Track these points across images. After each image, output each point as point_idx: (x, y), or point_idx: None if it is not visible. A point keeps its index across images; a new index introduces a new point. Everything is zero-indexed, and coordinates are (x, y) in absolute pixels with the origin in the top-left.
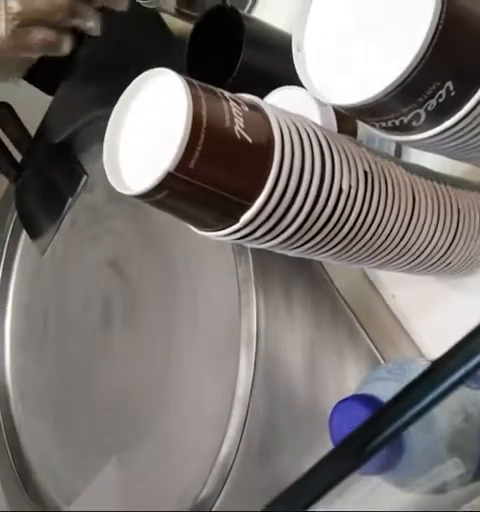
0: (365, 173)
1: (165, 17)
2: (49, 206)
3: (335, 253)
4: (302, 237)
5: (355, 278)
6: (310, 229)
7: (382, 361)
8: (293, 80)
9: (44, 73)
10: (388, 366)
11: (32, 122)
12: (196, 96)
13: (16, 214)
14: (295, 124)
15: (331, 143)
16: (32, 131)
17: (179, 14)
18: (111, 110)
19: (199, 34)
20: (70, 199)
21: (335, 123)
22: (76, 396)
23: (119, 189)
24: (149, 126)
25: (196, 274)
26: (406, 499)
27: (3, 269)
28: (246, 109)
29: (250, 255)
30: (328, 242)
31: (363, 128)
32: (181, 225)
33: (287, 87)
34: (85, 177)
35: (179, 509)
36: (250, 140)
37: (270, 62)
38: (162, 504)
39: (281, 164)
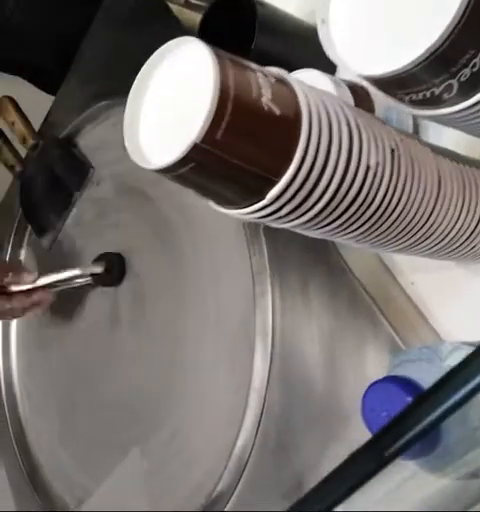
0: (392, 150)
1: (174, 8)
2: (54, 201)
3: (359, 235)
4: (328, 216)
5: (373, 266)
6: (336, 208)
7: (404, 349)
8: (306, 65)
9: (44, 72)
10: (416, 349)
11: (37, 116)
12: (223, 65)
13: (21, 210)
14: (322, 99)
15: (358, 119)
16: (37, 125)
17: (188, 5)
18: (117, 100)
19: (209, 23)
20: (76, 193)
21: (353, 104)
22: (83, 394)
23: (141, 164)
24: (172, 98)
25: (207, 267)
26: (434, 486)
27: None
28: (273, 81)
29: (265, 246)
30: (353, 222)
31: (379, 111)
32: (191, 217)
33: (302, 70)
34: (91, 170)
35: (193, 505)
36: (277, 112)
37: (283, 48)
38: (175, 500)
39: (309, 138)
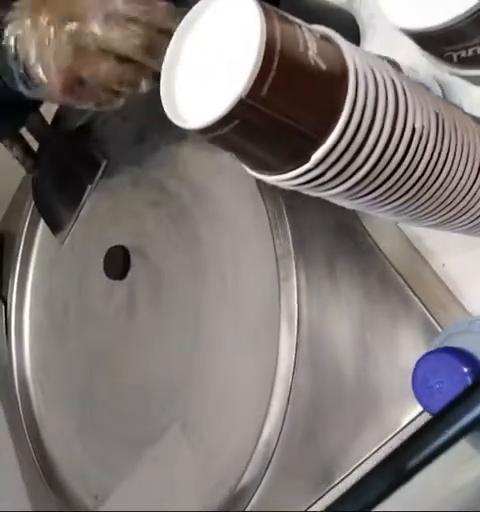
0: (436, 114)
1: None
2: (67, 194)
3: (400, 205)
4: (370, 183)
5: (402, 249)
6: (381, 173)
7: (440, 330)
8: None
9: None
10: (466, 322)
11: (48, 109)
12: (269, 17)
13: (33, 204)
14: (366, 58)
15: (403, 80)
16: (49, 118)
17: None
18: None
19: None
20: (89, 186)
21: None
22: (101, 388)
23: (181, 124)
24: (213, 53)
25: (226, 253)
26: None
27: (21, 261)
28: (318, 36)
29: (289, 228)
30: (396, 191)
31: None
32: (208, 204)
33: None
34: (105, 162)
35: (215, 500)
36: (324, 67)
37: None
38: (199, 493)
39: (355, 96)
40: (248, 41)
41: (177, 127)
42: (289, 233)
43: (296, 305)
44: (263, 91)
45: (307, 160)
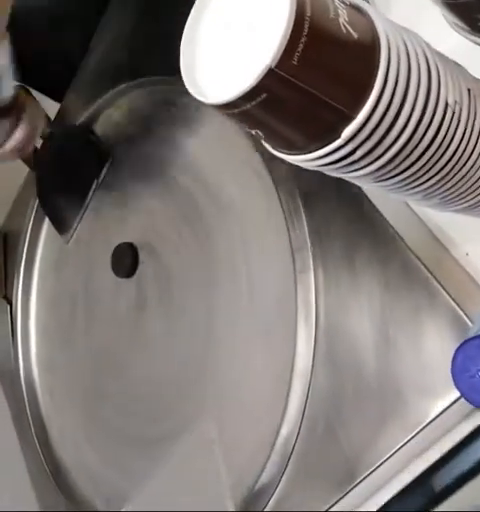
0: (468, 90)
1: None
2: (72, 191)
3: (430, 187)
4: (401, 163)
5: (424, 239)
6: (412, 152)
7: (468, 321)
8: None
9: (48, 77)
10: None
11: (51, 104)
12: None
13: (37, 202)
14: (397, 27)
15: (434, 53)
16: (51, 113)
17: None
18: (134, 84)
19: None
20: (95, 182)
21: None
22: (109, 388)
23: (203, 100)
24: (236, 23)
25: (238, 247)
26: None
27: (25, 261)
28: (348, 3)
29: (304, 220)
30: (426, 171)
31: None
32: (219, 197)
33: None
34: (110, 157)
35: (233, 500)
36: (355, 35)
37: None
38: (216, 492)
39: (388, 67)
40: (275, 8)
41: (185, 118)
42: (305, 224)
43: (314, 298)
44: (293, 60)
45: (337, 137)
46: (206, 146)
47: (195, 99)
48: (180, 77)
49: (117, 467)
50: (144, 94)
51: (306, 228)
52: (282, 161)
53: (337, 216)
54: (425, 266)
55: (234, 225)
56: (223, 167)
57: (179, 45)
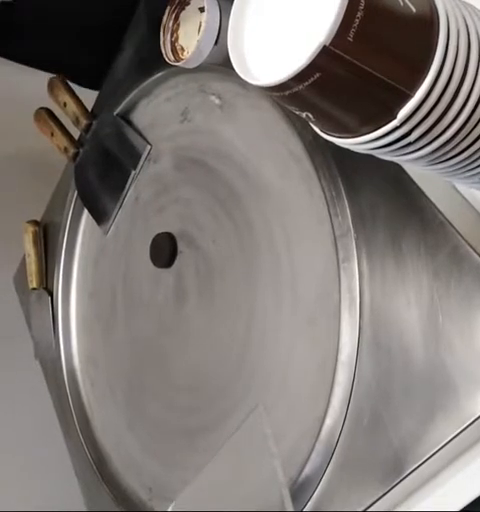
0: None
1: None
2: (111, 182)
3: None
4: (460, 143)
5: (475, 225)
6: (471, 132)
7: None
8: None
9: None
10: None
11: (88, 95)
12: None
13: (76, 194)
14: (454, 1)
15: None
16: (89, 105)
17: None
18: (171, 72)
19: None
20: (133, 172)
21: None
22: (149, 378)
23: (254, 82)
24: (285, 3)
25: (279, 236)
26: None
27: (65, 252)
28: None
29: (347, 207)
30: None
31: None
32: (258, 185)
33: None
34: (148, 147)
35: (276, 492)
36: (413, 9)
37: None
38: (259, 485)
39: (447, 42)
40: None
41: (223, 105)
42: (348, 211)
43: (358, 287)
44: (349, 37)
45: (392, 118)
46: (244, 132)
47: (233, 85)
48: (217, 64)
49: (159, 457)
50: (180, 82)
51: (349, 214)
52: (323, 146)
53: (381, 202)
54: (477, 252)
55: (274, 213)
56: (262, 153)
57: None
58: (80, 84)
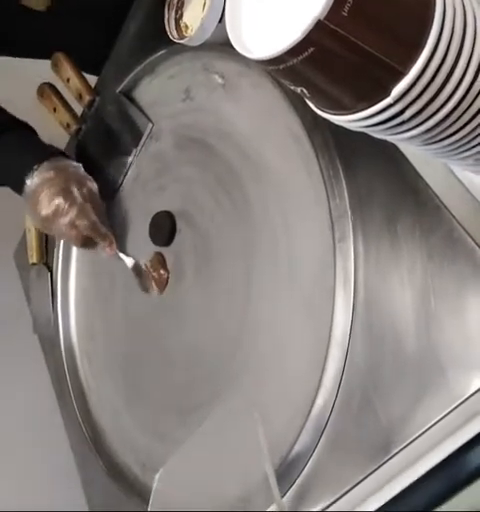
0: None
1: None
2: (112, 160)
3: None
4: (454, 123)
5: (470, 209)
6: (465, 112)
7: None
8: None
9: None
10: None
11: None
12: None
13: None
14: None
15: None
16: (92, 82)
17: None
18: (173, 50)
19: None
20: (135, 150)
21: None
22: (147, 356)
23: (249, 55)
24: None
25: (277, 216)
26: None
27: None
28: None
29: (345, 186)
30: None
31: None
32: (257, 166)
33: None
34: (150, 125)
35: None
36: None
37: None
38: (249, 461)
39: (443, 20)
40: None
41: (225, 84)
42: (345, 192)
43: (353, 267)
44: (343, 11)
45: (386, 95)
46: (245, 112)
47: (236, 65)
48: (220, 43)
49: (154, 434)
50: (184, 60)
51: (346, 196)
52: (323, 127)
53: (379, 184)
54: (471, 236)
55: (273, 193)
56: (263, 133)
57: None
58: (83, 69)
